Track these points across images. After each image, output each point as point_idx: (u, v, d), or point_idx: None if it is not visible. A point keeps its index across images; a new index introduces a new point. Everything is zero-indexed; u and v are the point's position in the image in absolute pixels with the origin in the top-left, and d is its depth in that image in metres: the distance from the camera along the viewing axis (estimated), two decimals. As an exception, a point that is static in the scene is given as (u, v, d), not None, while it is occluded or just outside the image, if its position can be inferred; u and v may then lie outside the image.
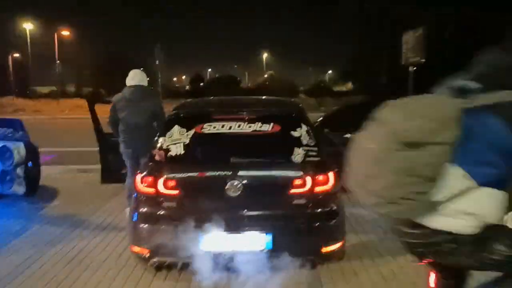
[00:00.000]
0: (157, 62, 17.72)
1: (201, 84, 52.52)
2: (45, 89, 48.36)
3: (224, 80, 49.11)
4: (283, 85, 45.63)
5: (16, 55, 46.33)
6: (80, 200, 5.90)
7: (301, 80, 60.73)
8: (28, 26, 41.14)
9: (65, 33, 40.01)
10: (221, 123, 3.46)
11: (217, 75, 58.34)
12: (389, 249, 4.09)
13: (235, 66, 76.38)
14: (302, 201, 3.27)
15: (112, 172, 5.49)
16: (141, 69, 5.21)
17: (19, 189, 5.37)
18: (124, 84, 5.04)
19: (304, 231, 3.28)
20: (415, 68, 27.80)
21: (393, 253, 3.99)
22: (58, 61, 39.33)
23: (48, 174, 7.19)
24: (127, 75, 5.00)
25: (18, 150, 5.34)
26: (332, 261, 3.60)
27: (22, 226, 4.84)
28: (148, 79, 5.09)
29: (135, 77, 4.94)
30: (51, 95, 38.73)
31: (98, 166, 5.83)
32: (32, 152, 5.75)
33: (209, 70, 72.70)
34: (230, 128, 3.45)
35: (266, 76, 59.58)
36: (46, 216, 5.24)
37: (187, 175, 3.36)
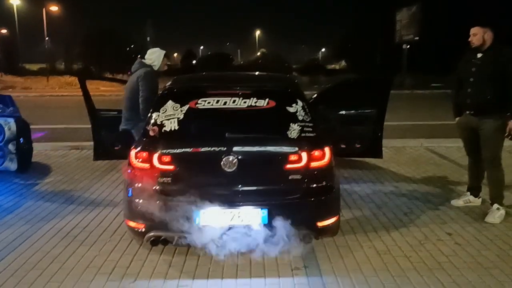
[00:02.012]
0: (148, 38, 17.49)
1: (193, 61, 51.95)
2: (34, 66, 47.53)
3: (217, 57, 48.58)
4: (275, 63, 45.29)
5: (4, 31, 45.29)
6: (73, 176, 5.88)
7: (294, 58, 60.34)
8: (15, 1, 40.08)
9: (54, 8, 39.03)
10: (216, 99, 3.41)
11: (209, 53, 57.66)
12: (382, 224, 4.14)
13: (228, 43, 75.55)
14: (297, 176, 3.26)
15: (105, 148, 5.44)
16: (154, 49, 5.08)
17: (11, 165, 5.32)
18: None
19: (299, 205, 3.29)
20: (408, 46, 27.67)
21: (386, 228, 4.05)
22: (47, 38, 38.50)
23: (40, 151, 7.14)
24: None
25: (9, 126, 5.26)
26: (327, 236, 3.63)
27: (15, 202, 4.81)
28: (167, 56, 5.02)
29: (147, 54, 4.99)
30: (40, 72, 38.10)
31: (90, 143, 5.78)
32: (24, 129, 5.67)
33: (201, 47, 71.88)
34: (225, 103, 3.40)
35: (258, 54, 59.04)
36: (40, 192, 5.21)
37: (182, 151, 3.33)
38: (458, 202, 4.61)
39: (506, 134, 4.08)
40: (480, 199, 4.55)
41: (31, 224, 4.19)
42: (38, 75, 34.32)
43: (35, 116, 6.37)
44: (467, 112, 4.28)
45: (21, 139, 5.52)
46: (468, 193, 4.61)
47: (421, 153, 7.24)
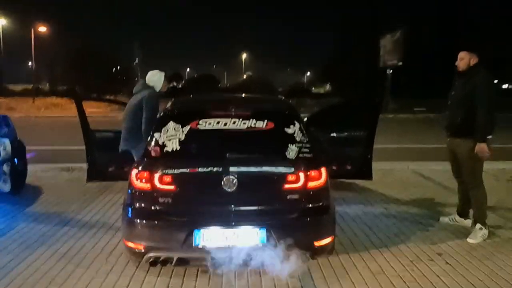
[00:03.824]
0: (136, 60, 17.61)
1: (180, 84, 52.13)
2: (18, 87, 47.03)
3: (203, 79, 48.86)
4: (262, 86, 45.75)
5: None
6: (66, 198, 5.85)
7: (279, 81, 60.97)
8: (1, 21, 39.93)
9: (41, 29, 38.95)
10: (217, 120, 3.51)
11: (195, 75, 58.02)
12: (374, 245, 4.24)
13: (214, 66, 76.19)
14: (295, 196, 3.36)
15: (99, 169, 5.44)
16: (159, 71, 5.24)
17: (4, 186, 5.28)
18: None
19: (297, 225, 3.37)
20: (391, 71, 28.26)
21: (379, 249, 4.14)
22: (33, 60, 38.29)
23: (30, 171, 7.07)
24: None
25: (4, 146, 5.25)
26: (323, 256, 3.70)
27: (7, 224, 4.76)
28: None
29: (147, 76, 5.12)
30: (24, 93, 37.72)
31: (81, 164, 5.76)
32: (19, 150, 5.66)
33: (188, 70, 72.26)
34: (225, 124, 3.50)
35: (245, 76, 59.66)
36: (32, 214, 5.17)
37: (182, 171, 3.40)
38: (444, 219, 4.81)
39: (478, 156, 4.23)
40: (469, 220, 4.68)
41: (25, 246, 4.15)
42: (22, 96, 33.98)
43: (22, 137, 6.34)
44: (446, 134, 4.50)
45: (16, 160, 5.50)
46: (456, 213, 4.77)
47: (408, 175, 7.41)
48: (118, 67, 45.20)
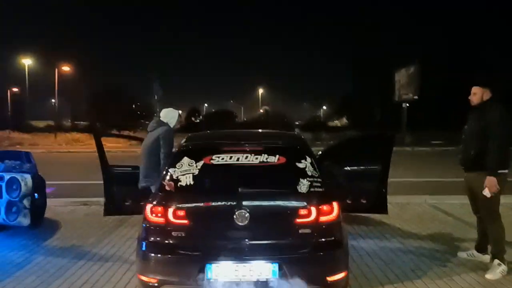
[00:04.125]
0: (155, 97, 18.09)
1: (198, 119, 52.97)
2: (41, 123, 48.46)
3: (220, 114, 49.57)
4: (278, 120, 46.12)
5: (15, 89, 46.69)
6: (83, 231, 5.94)
7: (296, 115, 61.41)
8: (27, 61, 41.70)
9: (65, 68, 40.49)
10: (229, 155, 3.60)
11: (213, 110, 58.88)
12: (391, 281, 4.17)
13: (231, 100, 77.26)
14: (307, 231, 3.36)
15: (116, 204, 5.55)
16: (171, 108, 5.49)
17: (24, 220, 5.41)
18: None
19: (309, 260, 3.36)
20: (408, 104, 28.22)
21: (394, 284, 4.07)
22: (56, 98, 39.62)
23: (49, 206, 7.22)
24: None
25: (25, 181, 5.42)
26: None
27: (25, 258, 4.86)
28: (180, 115, 5.39)
29: (162, 114, 5.33)
30: (47, 129, 38.81)
31: (99, 199, 5.89)
32: (39, 184, 5.83)
33: (206, 105, 73.42)
34: (238, 159, 3.58)
35: (261, 111, 60.25)
36: (50, 247, 5.27)
37: (196, 205, 3.46)
38: (462, 254, 4.73)
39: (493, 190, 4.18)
40: (488, 256, 4.57)
41: (42, 279, 4.23)
42: (44, 132, 34.96)
43: (43, 172, 6.53)
44: (461, 168, 4.49)
45: (36, 195, 5.67)
46: (474, 248, 4.68)
47: (425, 209, 7.31)
48: (138, 103, 46.35)
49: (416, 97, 25.11)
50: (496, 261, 4.25)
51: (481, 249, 4.62)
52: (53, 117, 41.96)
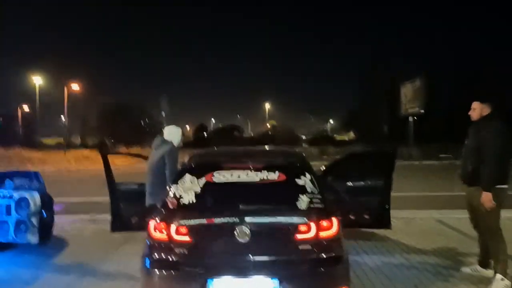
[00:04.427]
0: (162, 113, 18.30)
1: (204, 134, 53.30)
2: (50, 141, 49.10)
3: (227, 129, 49.88)
4: (285, 134, 46.26)
5: (25, 107, 47.47)
6: (90, 248, 6.03)
7: (303, 129, 61.47)
8: (37, 79, 42.47)
9: (74, 86, 41.14)
10: (230, 172, 3.69)
11: (220, 125, 59.23)
12: (393, 295, 4.18)
13: (238, 115, 77.62)
14: (307, 246, 3.42)
15: (122, 220, 5.64)
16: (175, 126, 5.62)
17: (33, 238, 5.52)
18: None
19: (310, 275, 3.40)
20: (415, 117, 28.15)
21: (397, 299, 4.09)
22: (65, 115, 40.18)
23: (57, 223, 7.33)
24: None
25: (34, 200, 5.55)
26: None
27: (33, 275, 4.95)
28: (183, 133, 5.50)
29: (165, 132, 5.42)
30: (57, 146, 39.32)
31: (106, 216, 5.98)
32: (47, 202, 5.96)
33: (213, 120, 73.82)
34: (239, 176, 3.67)
35: (268, 125, 60.45)
36: (57, 264, 5.36)
37: (197, 222, 3.53)
38: (465, 269, 4.73)
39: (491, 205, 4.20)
40: (491, 271, 4.56)
41: (49, 296, 4.30)
42: (54, 149, 35.36)
43: (52, 189, 6.65)
44: (461, 182, 4.54)
45: (44, 213, 5.78)
46: (477, 263, 4.68)
47: (431, 224, 7.30)
48: (146, 120, 46.86)
49: (422, 110, 25.11)
50: (499, 276, 4.25)
51: (484, 264, 4.63)
52: (63, 134, 42.49)
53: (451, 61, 41.73)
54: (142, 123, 45.62)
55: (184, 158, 4.37)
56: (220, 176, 3.68)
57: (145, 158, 5.67)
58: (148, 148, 27.03)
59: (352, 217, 5.51)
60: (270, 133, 51.03)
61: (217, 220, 3.49)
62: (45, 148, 37.59)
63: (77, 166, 23.17)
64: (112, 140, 36.17)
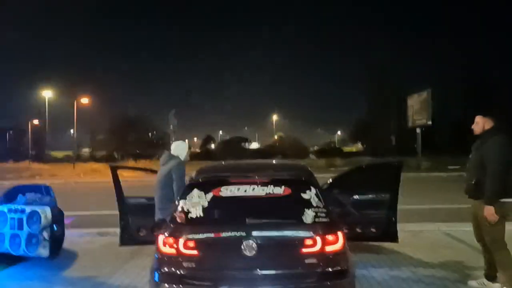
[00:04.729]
0: (171, 127, 18.46)
1: (212, 146, 53.50)
2: (60, 154, 49.56)
3: (234, 141, 50.04)
4: (292, 146, 46.30)
5: (35, 121, 48.02)
6: (99, 262, 6.10)
7: (310, 141, 61.44)
8: (47, 93, 43.07)
9: (83, 100, 41.66)
10: (237, 187, 3.76)
11: (227, 137, 59.43)
12: (400, 309, 4.19)
13: (246, 127, 77.90)
14: (313, 260, 3.46)
15: (131, 234, 5.72)
16: (182, 141, 5.75)
17: (44, 252, 5.61)
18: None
19: None
20: (423, 129, 28.03)
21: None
22: (75, 129, 40.63)
23: (66, 236, 7.41)
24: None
25: (45, 214, 5.65)
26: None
27: (44, 288, 5.02)
28: (190, 147, 5.58)
29: (172, 147, 5.51)
30: (65, 159, 39.71)
31: (114, 229, 6.06)
32: (58, 216, 6.06)
33: (220, 132, 74.09)
34: (245, 191, 3.74)
35: (276, 137, 60.52)
36: (67, 277, 5.43)
37: (205, 236, 3.60)
38: (472, 283, 4.72)
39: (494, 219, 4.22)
40: (498, 284, 4.55)
41: (59, 309, 4.37)
42: (63, 162, 35.70)
43: (62, 202, 6.76)
44: (466, 196, 4.57)
45: (55, 226, 5.89)
46: (484, 277, 4.68)
47: (439, 237, 7.27)
48: (155, 132, 47.24)
49: (429, 122, 25.03)
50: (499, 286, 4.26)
51: (490, 277, 4.62)
52: (72, 148, 42.91)
53: (461, 73, 41.71)
54: (150, 136, 46.04)
55: (191, 171, 4.44)
56: (227, 191, 3.75)
57: (154, 172, 5.76)
58: (155, 161, 27.24)
59: (359, 230, 5.54)
60: (277, 145, 51.12)
61: (224, 234, 3.55)
62: (54, 162, 37.96)
63: (86, 179, 23.35)
64: (119, 155, 36.49)
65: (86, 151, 51.08)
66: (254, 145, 52.75)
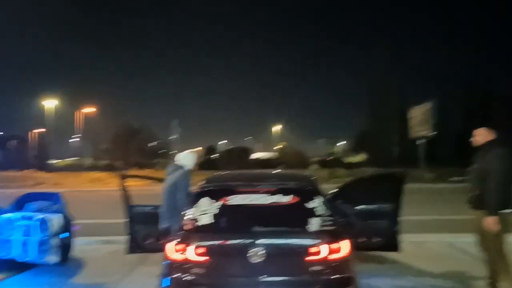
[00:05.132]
0: (174, 136, 18.53)
1: (215, 155, 53.57)
2: (62, 162, 49.73)
3: (236, 151, 50.07)
4: (295, 157, 46.29)
5: (41, 131, 48.26)
6: (106, 269, 6.17)
7: (312, 151, 61.40)
8: (51, 103, 43.35)
9: (86, 109, 42.00)
10: (245, 195, 3.86)
11: (230, 147, 59.44)
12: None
13: (248, 137, 77.95)
14: (318, 268, 3.54)
15: (138, 242, 5.80)
16: (191, 150, 5.86)
17: (53, 258, 5.70)
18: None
19: None
20: (425, 140, 28.02)
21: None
22: (79, 137, 40.86)
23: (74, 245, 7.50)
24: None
25: (55, 221, 5.75)
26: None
27: (52, 295, 5.09)
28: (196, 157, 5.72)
29: (178, 157, 5.63)
30: (69, 168, 39.81)
31: (120, 237, 6.14)
32: (67, 224, 6.16)
33: (222, 142, 74.13)
34: (253, 200, 3.84)
35: (278, 147, 60.50)
36: (75, 285, 5.51)
37: (213, 244, 3.70)
38: None
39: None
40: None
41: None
42: (67, 171, 35.78)
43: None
44: (468, 206, 4.65)
45: (64, 233, 5.98)
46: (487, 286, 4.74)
47: (442, 248, 7.32)
48: (159, 141, 47.37)
49: (431, 133, 25.09)
50: None
51: (493, 286, 4.68)
52: (75, 156, 43.03)
53: (464, 85, 41.85)
54: (154, 145, 46.15)
55: (194, 180, 4.54)
56: (235, 199, 3.85)
57: (160, 180, 5.87)
58: (159, 170, 27.33)
59: (362, 240, 5.60)
60: (279, 155, 51.12)
61: (232, 242, 3.65)
62: (58, 170, 38.03)
63: (89, 188, 23.41)
64: (120, 164, 36.57)
65: (89, 160, 51.22)
66: (259, 155, 52.76)
